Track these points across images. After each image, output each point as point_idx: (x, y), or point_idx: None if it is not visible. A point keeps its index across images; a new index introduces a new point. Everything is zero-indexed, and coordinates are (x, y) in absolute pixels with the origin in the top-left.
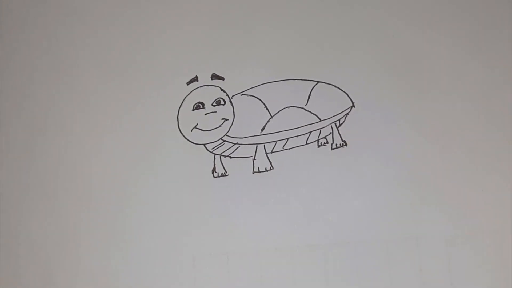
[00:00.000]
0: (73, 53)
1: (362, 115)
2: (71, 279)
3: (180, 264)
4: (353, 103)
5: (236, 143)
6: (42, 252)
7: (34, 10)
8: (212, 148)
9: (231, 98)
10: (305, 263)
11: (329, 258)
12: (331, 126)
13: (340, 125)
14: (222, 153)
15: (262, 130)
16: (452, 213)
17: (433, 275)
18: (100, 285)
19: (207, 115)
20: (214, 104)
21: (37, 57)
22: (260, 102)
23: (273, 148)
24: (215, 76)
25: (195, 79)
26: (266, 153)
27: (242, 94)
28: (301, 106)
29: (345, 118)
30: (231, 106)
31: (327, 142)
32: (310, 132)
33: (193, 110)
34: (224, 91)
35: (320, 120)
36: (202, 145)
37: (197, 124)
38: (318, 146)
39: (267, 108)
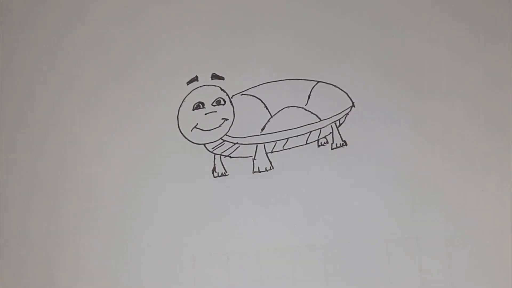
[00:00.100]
0: (73, 53)
1: (362, 115)
2: (71, 279)
3: (180, 264)
4: (353, 103)
5: (236, 143)
6: (42, 252)
7: (34, 10)
8: (212, 148)
9: (231, 98)
10: (305, 263)
11: (329, 258)
12: (331, 126)
13: (340, 125)
14: (222, 153)
15: (262, 130)
16: (452, 213)
17: (433, 275)
18: (100, 285)
19: (207, 115)
20: (214, 104)
21: (37, 57)
22: (260, 102)
23: (273, 148)
24: (215, 76)
25: (195, 79)
26: (266, 153)
27: (242, 94)
28: (301, 106)
29: (345, 118)
30: (231, 106)
31: (327, 142)
32: (310, 132)
33: (193, 110)
34: (224, 91)
35: (320, 120)
36: (202, 145)
37: (197, 124)
38: (318, 146)
39: (267, 108)
